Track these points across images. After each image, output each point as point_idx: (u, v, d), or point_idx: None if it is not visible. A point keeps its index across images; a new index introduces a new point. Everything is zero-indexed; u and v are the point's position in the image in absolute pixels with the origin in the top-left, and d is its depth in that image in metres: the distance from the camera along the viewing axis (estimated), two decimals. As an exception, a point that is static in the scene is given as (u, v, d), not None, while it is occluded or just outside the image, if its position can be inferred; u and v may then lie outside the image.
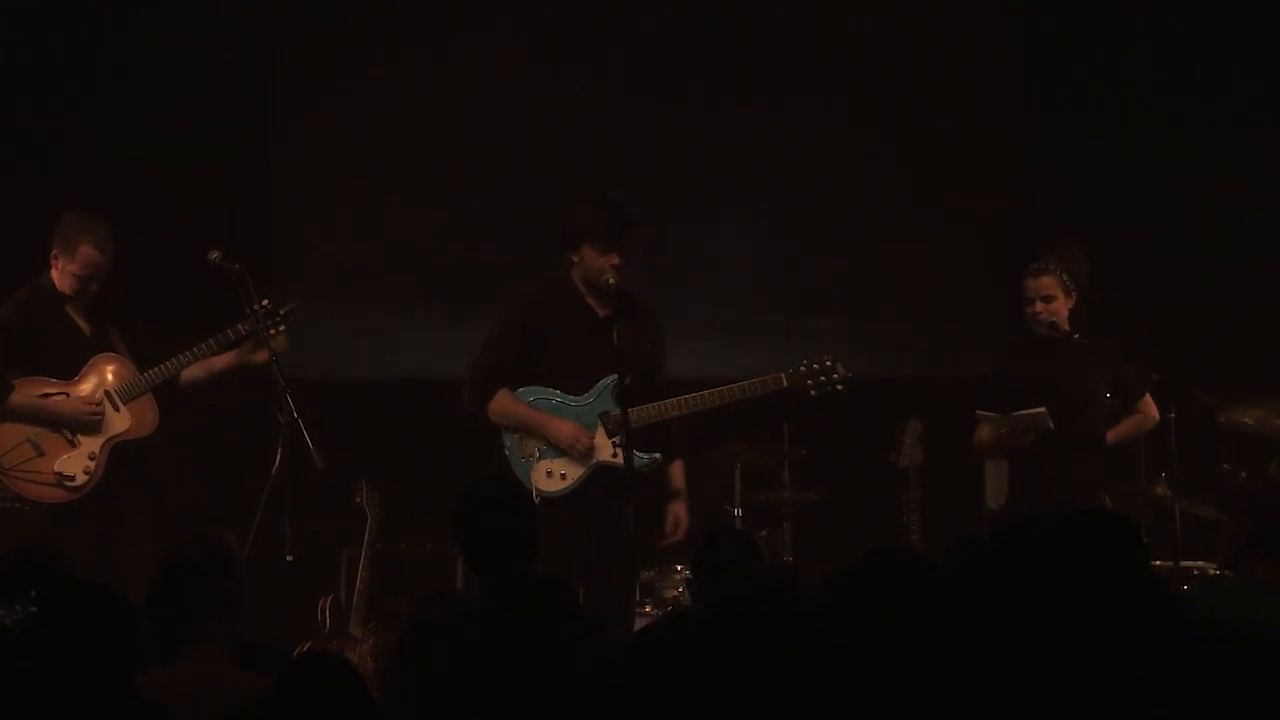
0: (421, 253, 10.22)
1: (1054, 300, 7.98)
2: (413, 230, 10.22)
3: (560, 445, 7.59)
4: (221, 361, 8.07)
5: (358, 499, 8.76)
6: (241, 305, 7.81)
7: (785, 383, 7.69)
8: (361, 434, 9.34)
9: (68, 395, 7.98)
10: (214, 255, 7.80)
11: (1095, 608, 2.97)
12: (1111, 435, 8.11)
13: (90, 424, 7.92)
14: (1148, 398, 8.11)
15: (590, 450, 7.60)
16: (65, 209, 8.10)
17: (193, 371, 8.07)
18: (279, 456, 7.46)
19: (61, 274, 8.00)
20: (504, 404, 7.70)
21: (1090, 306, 8.06)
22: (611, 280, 7.61)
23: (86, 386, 8.02)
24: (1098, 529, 4.57)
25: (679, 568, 8.29)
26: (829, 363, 7.72)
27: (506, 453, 7.69)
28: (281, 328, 7.91)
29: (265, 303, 7.92)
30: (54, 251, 8.00)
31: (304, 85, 10.32)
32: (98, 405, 7.95)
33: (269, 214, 10.19)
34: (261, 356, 7.88)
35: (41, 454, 7.91)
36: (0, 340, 7.95)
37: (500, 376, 7.71)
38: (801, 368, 7.71)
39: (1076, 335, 7.96)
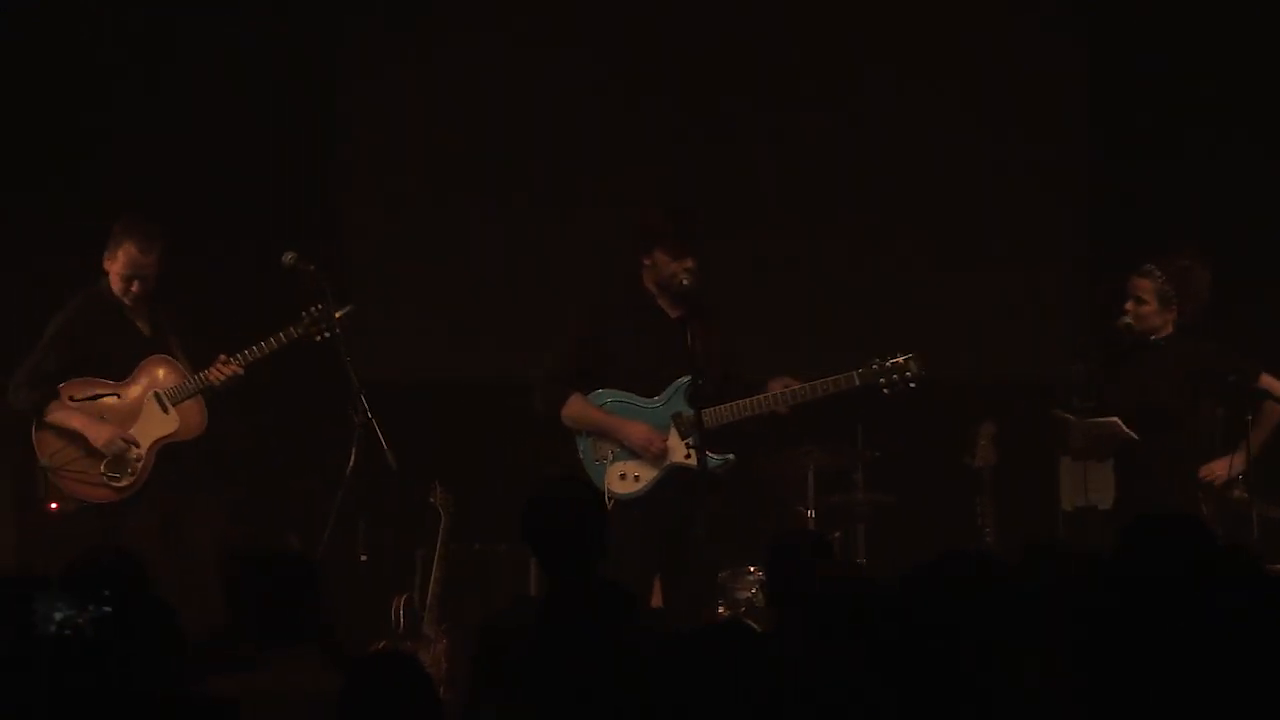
0: (495, 253, 10.24)
1: (1145, 305, 7.94)
2: (486, 231, 10.24)
3: (634, 448, 7.59)
4: None
5: (431, 499, 8.78)
6: (314, 306, 7.84)
7: (858, 381, 7.66)
8: (435, 434, 9.36)
9: (119, 396, 8.08)
10: (289, 257, 7.84)
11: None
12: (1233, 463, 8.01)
13: (118, 458, 8.01)
14: (1265, 379, 7.99)
15: (664, 452, 7.60)
16: (123, 213, 8.22)
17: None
18: (353, 457, 7.50)
19: (112, 277, 8.12)
20: (577, 408, 7.70)
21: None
22: (685, 282, 7.61)
23: (136, 388, 8.11)
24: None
25: (752, 569, 8.28)
26: (901, 360, 7.69)
27: (580, 455, 7.69)
28: (337, 331, 7.88)
29: (318, 306, 7.92)
30: (105, 255, 8.11)
31: (372, 84, 10.35)
32: (131, 444, 8.02)
33: (340, 215, 10.24)
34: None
35: (89, 453, 8.01)
36: (54, 346, 8.06)
37: (571, 381, 7.72)
38: (875, 365, 7.68)
39: (1154, 336, 7.93)
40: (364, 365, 7.84)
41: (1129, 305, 7.97)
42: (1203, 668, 2.90)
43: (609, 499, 7.42)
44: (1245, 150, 9.77)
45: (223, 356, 8.04)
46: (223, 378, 8.03)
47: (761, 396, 7.61)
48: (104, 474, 8.01)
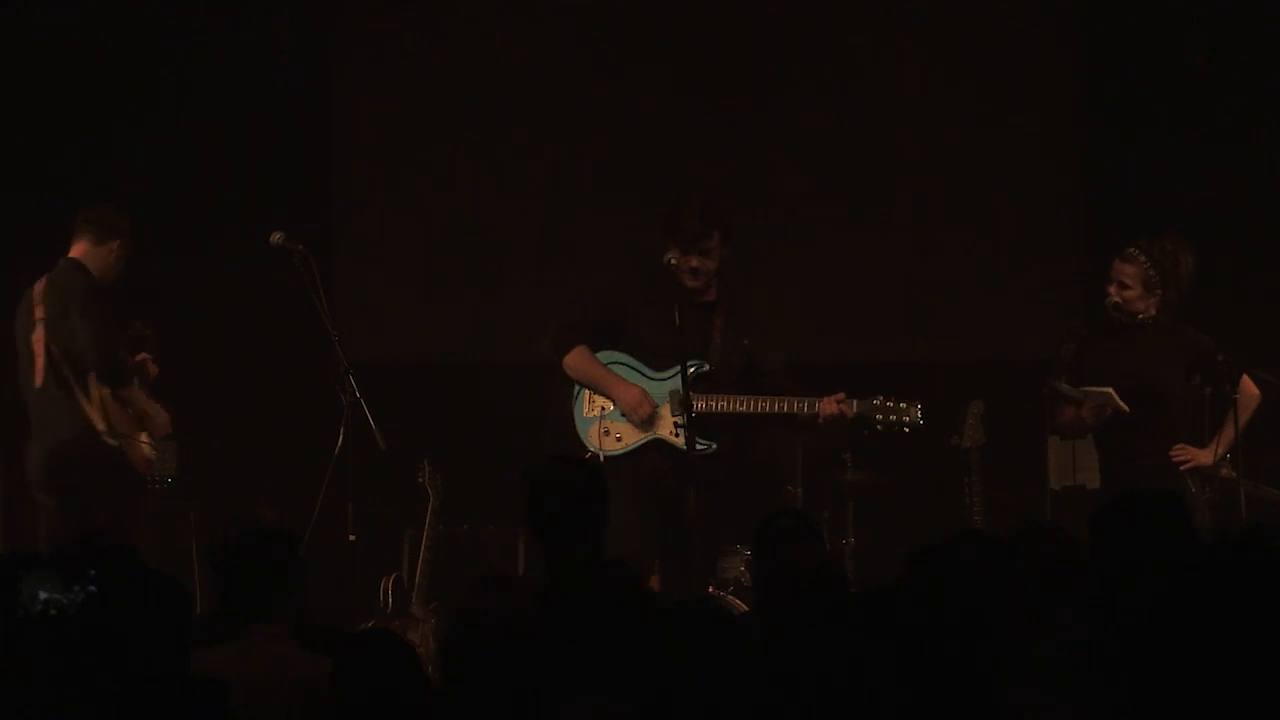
0: (487, 233, 10.23)
1: (1128, 290, 7.93)
2: (478, 210, 10.23)
3: (623, 409, 7.60)
4: None
5: (420, 479, 8.77)
6: (303, 286, 7.81)
7: (855, 409, 7.64)
8: (424, 414, 9.36)
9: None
10: (276, 237, 7.81)
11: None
12: (1218, 448, 8.01)
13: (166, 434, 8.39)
14: (1244, 379, 8.02)
15: (650, 420, 7.61)
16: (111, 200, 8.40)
17: None
18: (341, 437, 7.49)
19: (119, 261, 8.27)
20: (580, 358, 7.70)
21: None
22: (689, 283, 7.60)
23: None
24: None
25: (739, 547, 8.28)
26: (904, 405, 7.66)
27: (573, 403, 7.70)
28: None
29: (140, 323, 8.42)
30: (116, 241, 8.21)
31: (366, 61, 10.35)
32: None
33: (329, 196, 10.23)
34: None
35: (139, 427, 8.27)
36: (113, 324, 8.21)
37: (583, 333, 7.72)
38: (875, 401, 7.65)
39: (1140, 316, 7.93)
40: (352, 344, 7.84)
41: (1112, 289, 7.96)
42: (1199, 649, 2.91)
43: (588, 453, 7.51)
44: (1238, 138, 9.78)
45: (145, 356, 8.38)
46: (155, 374, 8.42)
47: (756, 398, 7.60)
48: (148, 445, 8.25)
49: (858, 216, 10.25)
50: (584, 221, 10.05)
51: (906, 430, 7.67)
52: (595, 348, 7.71)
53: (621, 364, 7.70)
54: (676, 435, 7.54)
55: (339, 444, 7.49)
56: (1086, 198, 10.16)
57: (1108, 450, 8.06)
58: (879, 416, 7.64)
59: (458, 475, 8.87)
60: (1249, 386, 7.99)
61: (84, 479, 8.09)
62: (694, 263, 7.59)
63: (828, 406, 7.58)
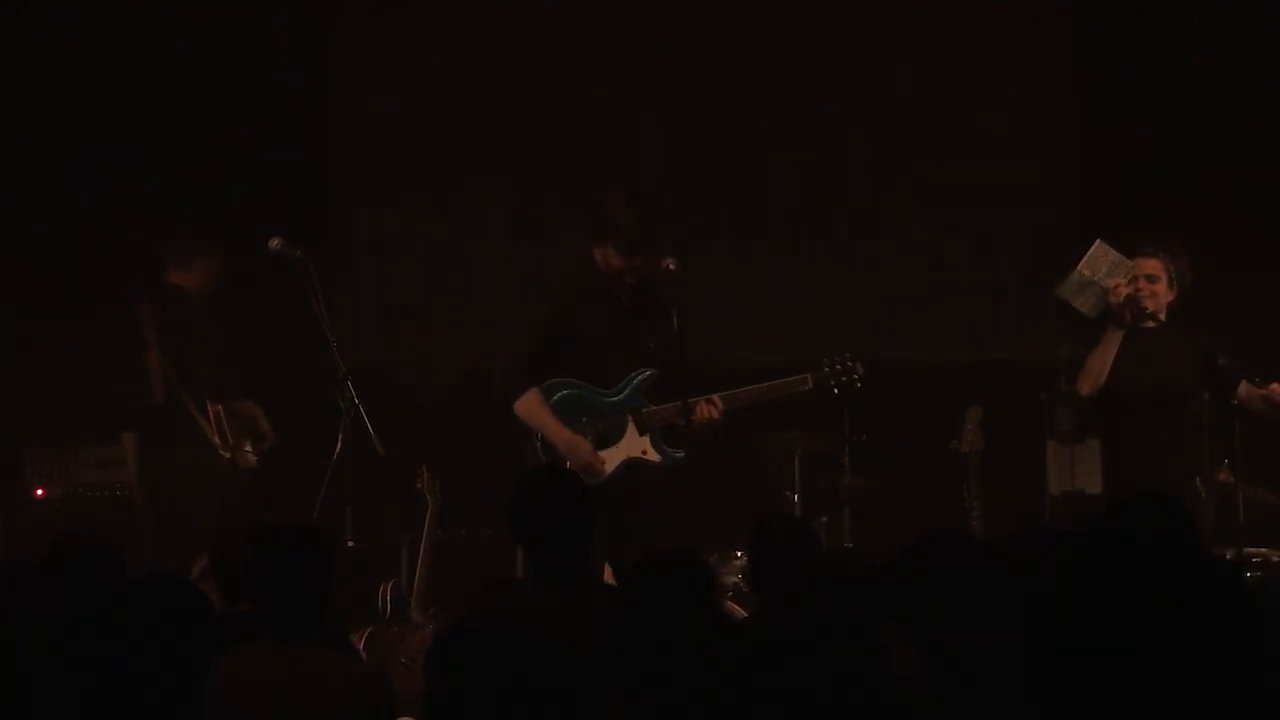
0: (487, 236, 10.23)
1: (1157, 282, 7.96)
2: (478, 213, 10.22)
3: (574, 467, 7.37)
4: None
5: (418, 485, 8.77)
6: (302, 291, 7.80)
7: (810, 383, 7.67)
8: (422, 420, 9.36)
9: None
10: (275, 242, 7.78)
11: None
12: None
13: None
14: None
15: (601, 475, 7.48)
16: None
17: None
18: (340, 442, 7.48)
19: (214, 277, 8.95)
20: (530, 406, 7.57)
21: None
22: (630, 281, 7.52)
23: None
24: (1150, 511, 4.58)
25: (737, 554, 8.28)
26: (850, 362, 7.70)
27: (536, 444, 7.60)
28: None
29: None
30: (204, 259, 8.89)
31: (366, 62, 10.37)
32: None
33: (329, 197, 10.23)
34: None
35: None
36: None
37: (529, 374, 7.58)
38: (825, 368, 7.69)
39: (1149, 325, 7.94)
40: (353, 350, 7.85)
41: (1141, 285, 7.96)
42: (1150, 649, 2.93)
43: None
44: (1238, 138, 9.79)
45: None
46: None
47: (717, 396, 7.56)
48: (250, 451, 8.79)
49: (857, 217, 10.25)
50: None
51: (859, 385, 7.69)
52: (544, 376, 7.59)
53: (571, 392, 7.61)
54: (646, 454, 7.53)
55: (338, 449, 7.48)
56: (1086, 198, 10.15)
57: (1116, 451, 8.05)
58: (832, 382, 7.68)
59: (456, 481, 8.86)
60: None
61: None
62: (637, 263, 7.50)
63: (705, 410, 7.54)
